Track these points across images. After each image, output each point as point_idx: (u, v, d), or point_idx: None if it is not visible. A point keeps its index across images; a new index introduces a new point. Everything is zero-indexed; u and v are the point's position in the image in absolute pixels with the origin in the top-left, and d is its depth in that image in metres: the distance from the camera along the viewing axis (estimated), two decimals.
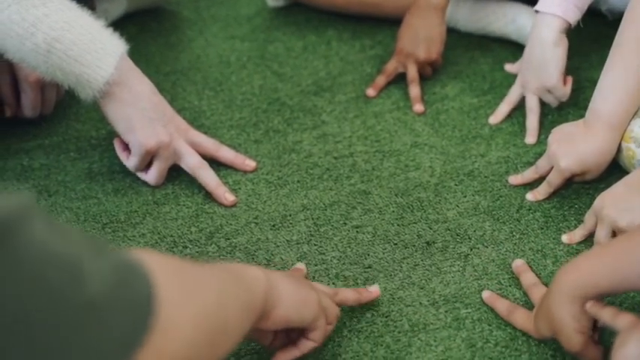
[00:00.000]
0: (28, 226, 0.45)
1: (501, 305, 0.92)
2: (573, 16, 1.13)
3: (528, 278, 0.95)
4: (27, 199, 0.46)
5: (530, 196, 1.07)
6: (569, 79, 1.17)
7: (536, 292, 0.92)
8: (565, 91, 1.17)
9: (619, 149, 1.05)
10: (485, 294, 0.94)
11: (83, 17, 1.00)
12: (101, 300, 0.47)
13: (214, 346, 0.60)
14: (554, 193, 1.07)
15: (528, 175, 1.09)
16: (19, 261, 0.44)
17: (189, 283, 0.59)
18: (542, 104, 1.19)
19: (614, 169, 1.09)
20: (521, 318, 0.89)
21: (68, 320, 0.45)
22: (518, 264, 0.97)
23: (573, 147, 1.05)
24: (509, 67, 1.30)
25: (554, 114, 1.21)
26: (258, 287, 0.72)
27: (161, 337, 0.50)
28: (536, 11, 1.15)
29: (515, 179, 1.10)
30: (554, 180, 1.06)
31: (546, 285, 0.94)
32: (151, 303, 0.50)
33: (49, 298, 0.44)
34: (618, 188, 0.97)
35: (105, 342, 0.47)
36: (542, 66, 1.14)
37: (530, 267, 0.97)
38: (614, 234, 0.96)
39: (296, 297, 0.78)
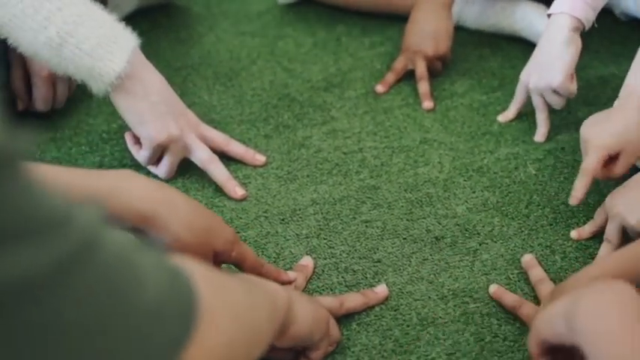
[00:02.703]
0: (106, 236, 0.46)
1: (508, 299, 0.92)
2: (585, 14, 1.10)
3: (536, 274, 0.95)
4: (100, 210, 0.47)
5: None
6: (574, 77, 1.13)
7: (544, 288, 0.92)
8: (572, 89, 1.12)
9: None
10: (493, 288, 0.94)
11: (96, 11, 1.01)
12: (157, 304, 0.48)
13: (249, 346, 0.62)
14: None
15: (579, 187, 0.98)
16: (102, 272, 0.45)
17: (221, 284, 0.60)
18: None
19: None
20: (527, 313, 0.89)
21: (130, 324, 0.46)
22: (527, 259, 0.97)
23: (604, 126, 0.97)
24: None
25: (563, 111, 1.21)
26: (279, 299, 0.73)
27: (203, 334, 0.52)
28: (549, 15, 1.14)
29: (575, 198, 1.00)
30: (589, 161, 0.96)
31: (554, 281, 0.94)
32: (194, 303, 0.52)
33: (116, 304, 0.46)
34: (630, 186, 0.97)
35: (157, 342, 0.48)
36: (549, 65, 1.12)
37: (539, 262, 0.97)
38: (623, 230, 0.97)
39: (311, 315, 0.79)
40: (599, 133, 0.97)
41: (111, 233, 0.47)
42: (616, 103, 1.01)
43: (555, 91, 1.13)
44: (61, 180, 0.74)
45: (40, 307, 0.41)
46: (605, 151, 0.96)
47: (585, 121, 1.01)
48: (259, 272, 0.88)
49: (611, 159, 0.98)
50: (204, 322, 0.52)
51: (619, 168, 0.98)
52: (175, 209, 0.79)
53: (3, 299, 0.40)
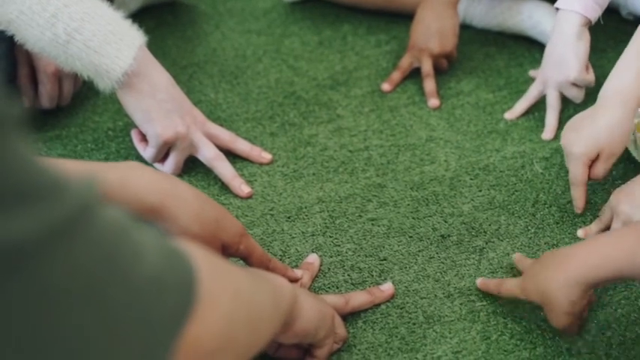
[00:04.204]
0: (101, 207, 0.46)
1: (491, 284, 0.92)
2: (593, 12, 1.12)
3: (525, 263, 0.95)
4: (94, 181, 0.47)
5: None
6: (589, 67, 1.15)
7: (524, 262, 0.93)
8: (589, 78, 1.15)
9: (634, 140, 1.04)
10: (478, 281, 0.94)
11: (102, 8, 1.01)
12: (155, 277, 0.48)
13: (251, 328, 0.61)
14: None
15: (577, 197, 1.02)
16: (97, 241, 0.45)
17: (221, 265, 0.60)
18: (563, 101, 1.19)
19: (630, 164, 1.09)
20: (510, 284, 0.89)
21: (126, 295, 0.46)
22: (518, 257, 0.97)
23: (582, 131, 1.00)
24: (533, 73, 1.28)
25: (570, 109, 1.21)
26: (285, 291, 0.73)
27: (202, 310, 0.51)
28: (557, 9, 1.15)
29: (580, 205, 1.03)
30: (574, 172, 1.00)
31: None
32: (194, 279, 0.52)
33: (112, 274, 0.45)
34: (634, 183, 0.97)
35: (156, 316, 0.48)
36: (565, 60, 1.14)
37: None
38: None
39: (316, 311, 0.79)
40: (575, 141, 1.00)
41: (107, 207, 0.47)
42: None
43: (573, 84, 1.15)
44: (78, 168, 0.74)
45: (32, 274, 0.41)
46: (583, 158, 0.99)
47: (565, 125, 1.04)
48: (266, 267, 0.89)
49: (594, 161, 1.00)
50: (203, 299, 0.52)
51: (599, 170, 1.00)
52: (183, 201, 0.79)
53: None
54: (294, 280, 0.93)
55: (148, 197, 0.77)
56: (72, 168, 0.75)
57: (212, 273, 0.56)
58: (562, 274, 0.81)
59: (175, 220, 0.78)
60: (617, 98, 0.98)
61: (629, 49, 1.01)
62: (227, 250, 0.85)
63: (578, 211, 1.02)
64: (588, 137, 0.99)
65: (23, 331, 0.41)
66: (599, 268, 0.79)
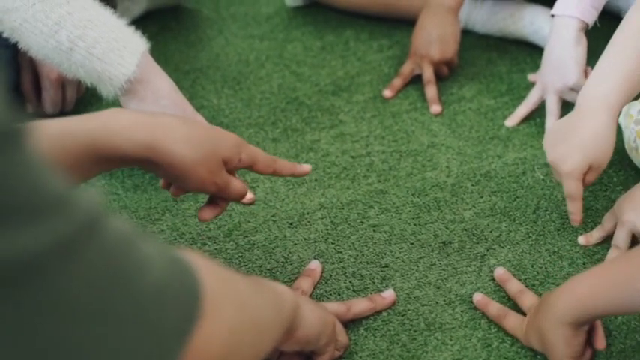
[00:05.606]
0: (107, 219, 0.47)
1: (493, 309, 0.91)
2: (590, 16, 1.13)
3: (514, 286, 0.94)
4: (99, 194, 0.47)
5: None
6: (589, 70, 1.15)
7: (525, 298, 0.91)
8: None
9: (635, 147, 1.04)
10: (477, 297, 0.93)
11: (105, 15, 1.01)
12: (161, 287, 0.49)
13: (254, 337, 0.62)
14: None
15: (575, 211, 0.99)
16: (105, 253, 0.45)
17: (225, 275, 0.61)
18: (563, 105, 1.19)
19: (631, 171, 1.10)
20: (513, 323, 0.89)
21: (134, 306, 0.46)
22: (500, 272, 0.96)
23: (567, 145, 0.95)
24: (532, 77, 1.28)
25: None
26: (287, 300, 0.73)
27: (209, 320, 0.52)
28: (553, 15, 1.15)
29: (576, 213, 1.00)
30: (569, 189, 0.96)
31: (539, 294, 0.93)
32: (199, 289, 0.52)
33: (119, 285, 0.46)
34: (638, 191, 0.97)
35: (163, 326, 0.48)
36: (563, 65, 1.14)
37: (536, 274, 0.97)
38: (633, 237, 0.96)
39: (318, 319, 0.79)
40: (564, 159, 0.95)
41: (113, 218, 0.48)
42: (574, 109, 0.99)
43: (572, 89, 1.15)
44: (55, 126, 0.74)
45: (42, 287, 0.41)
46: (576, 174, 0.95)
47: (545, 137, 1.00)
48: (273, 169, 0.87)
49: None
50: (208, 309, 0.52)
51: (590, 180, 0.97)
52: (171, 128, 0.78)
53: (4, 277, 0.40)
54: (303, 174, 0.91)
55: (136, 135, 0.76)
56: (54, 126, 0.75)
57: (217, 283, 0.56)
58: (551, 315, 0.80)
59: (169, 150, 0.78)
60: (600, 104, 0.94)
61: (611, 50, 0.97)
62: (229, 165, 0.83)
63: (576, 224, 0.99)
64: (576, 152, 0.94)
65: (33, 342, 0.42)
66: (582, 304, 0.78)
